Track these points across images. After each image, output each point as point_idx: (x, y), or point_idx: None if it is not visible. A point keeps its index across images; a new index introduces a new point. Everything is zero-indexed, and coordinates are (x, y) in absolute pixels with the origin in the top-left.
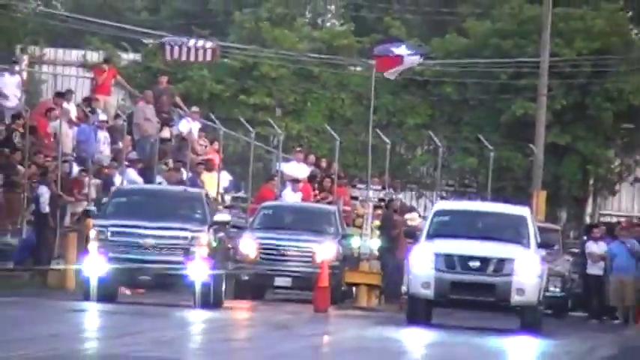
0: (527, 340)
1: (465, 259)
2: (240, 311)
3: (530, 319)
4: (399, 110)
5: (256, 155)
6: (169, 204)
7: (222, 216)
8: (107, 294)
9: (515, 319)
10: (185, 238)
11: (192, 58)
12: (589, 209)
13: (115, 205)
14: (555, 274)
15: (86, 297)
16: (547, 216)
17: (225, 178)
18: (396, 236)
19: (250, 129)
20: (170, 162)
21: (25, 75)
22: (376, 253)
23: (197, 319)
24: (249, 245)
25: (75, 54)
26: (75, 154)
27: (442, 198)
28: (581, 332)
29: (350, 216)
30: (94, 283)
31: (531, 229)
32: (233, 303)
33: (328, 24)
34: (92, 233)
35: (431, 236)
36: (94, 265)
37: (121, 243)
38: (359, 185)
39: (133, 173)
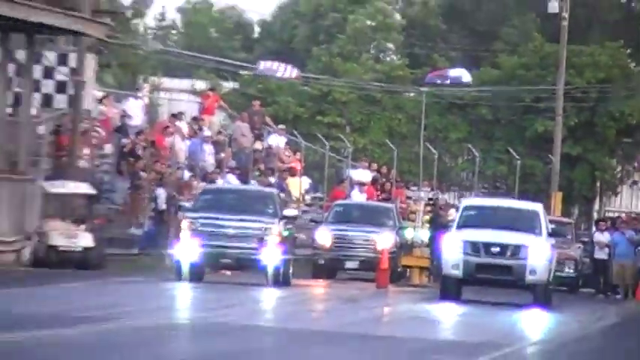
0: (540, 313)
1: (487, 246)
2: (316, 288)
3: (541, 295)
4: (444, 127)
5: (330, 164)
6: (247, 200)
7: (291, 211)
8: (196, 275)
9: (529, 295)
10: (259, 228)
11: (281, 74)
12: (596, 206)
13: (203, 201)
14: (569, 258)
15: (178, 278)
16: (562, 212)
17: (306, 182)
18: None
19: (325, 142)
20: (261, 169)
21: (146, 100)
22: (426, 241)
23: (274, 295)
24: (324, 235)
25: (186, 83)
26: (186, 163)
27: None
28: (589, 305)
29: (405, 212)
30: (185, 266)
31: (543, 222)
32: (309, 282)
33: (388, 59)
34: (184, 224)
35: (460, 227)
36: (186, 250)
37: (208, 232)
38: (412, 187)
39: (232, 178)
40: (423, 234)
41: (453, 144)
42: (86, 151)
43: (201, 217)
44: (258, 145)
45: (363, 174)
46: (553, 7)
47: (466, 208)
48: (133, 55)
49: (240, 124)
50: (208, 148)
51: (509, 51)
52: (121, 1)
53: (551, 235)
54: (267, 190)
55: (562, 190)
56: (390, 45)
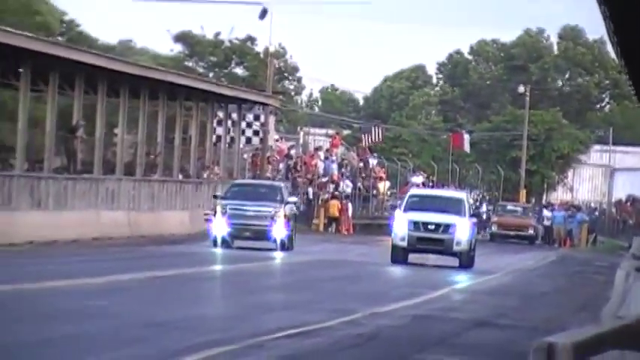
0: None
1: (425, 224)
2: (313, 252)
3: (464, 260)
4: (462, 154)
5: (401, 173)
6: (261, 191)
7: (292, 198)
8: (227, 244)
9: (455, 260)
10: (269, 210)
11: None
12: (544, 198)
13: (232, 192)
14: (529, 225)
15: (215, 245)
16: (526, 201)
17: (387, 184)
18: None
19: (397, 162)
20: (363, 177)
21: (301, 140)
22: None
23: (285, 255)
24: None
25: (323, 130)
26: (322, 174)
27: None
28: (533, 251)
29: None
30: (219, 238)
31: (466, 206)
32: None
33: (431, 118)
34: (218, 208)
35: (406, 210)
36: (219, 226)
37: (234, 214)
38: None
39: (347, 182)
40: None
41: (467, 164)
42: (269, 167)
43: (229, 204)
44: (361, 164)
45: (417, 179)
46: (521, 89)
47: (411, 196)
48: (295, 115)
49: (351, 153)
50: (335, 166)
51: (497, 114)
52: (287, 85)
53: (472, 216)
54: (276, 183)
55: (525, 188)
56: (433, 111)
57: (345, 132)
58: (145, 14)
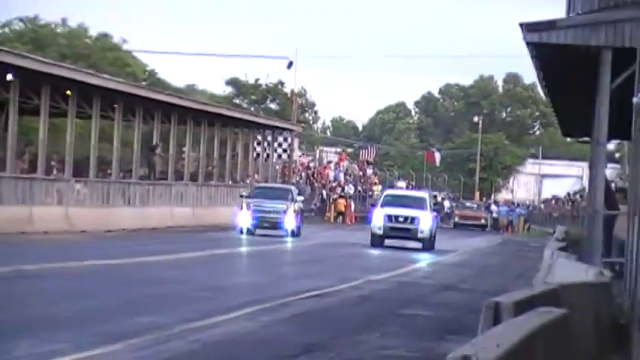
0: (428, 252)
1: (397, 217)
2: (315, 238)
3: (426, 244)
4: (435, 167)
5: (389, 180)
6: (277, 192)
7: (300, 197)
8: (250, 232)
9: (419, 244)
10: (282, 206)
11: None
12: (492, 197)
13: (255, 193)
14: (482, 217)
15: (240, 233)
16: (480, 199)
17: (379, 187)
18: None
19: (387, 171)
20: (362, 182)
21: (317, 156)
22: None
23: (294, 240)
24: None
25: (332, 148)
26: (332, 180)
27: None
28: (484, 235)
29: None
30: (245, 228)
31: (428, 203)
32: (316, 233)
33: (411, 139)
34: (243, 204)
35: (382, 205)
36: (244, 219)
37: (256, 209)
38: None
39: (350, 186)
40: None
41: (437, 173)
42: (294, 176)
43: (252, 201)
44: (360, 173)
45: (401, 183)
46: (475, 119)
47: (386, 195)
48: (312, 138)
49: (354, 165)
50: (341, 174)
51: (458, 137)
52: (307, 116)
53: (433, 210)
54: (288, 186)
55: (479, 190)
56: (412, 135)
57: (349, 150)
58: (204, 65)
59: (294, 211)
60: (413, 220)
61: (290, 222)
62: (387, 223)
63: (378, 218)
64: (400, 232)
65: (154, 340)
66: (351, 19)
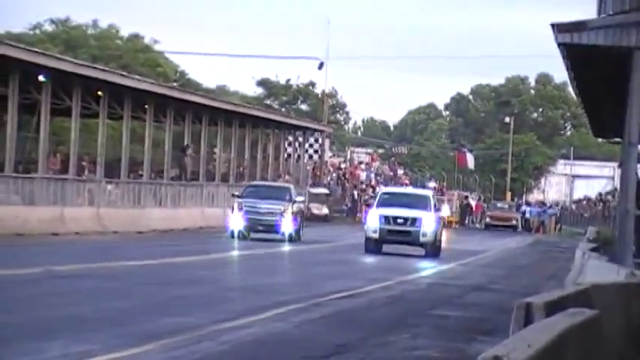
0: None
1: (395, 218)
2: (312, 245)
3: (430, 250)
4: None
5: (420, 180)
6: (272, 192)
7: (300, 197)
8: (243, 236)
9: (422, 250)
10: (279, 208)
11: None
12: (523, 198)
13: (248, 192)
14: (514, 217)
15: (232, 237)
16: (511, 199)
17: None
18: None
19: (417, 172)
20: (394, 182)
21: (348, 156)
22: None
23: (292, 245)
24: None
25: (365, 149)
26: (364, 180)
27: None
28: (519, 236)
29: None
30: (236, 231)
31: (432, 202)
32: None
33: (443, 139)
34: (235, 205)
35: (378, 206)
36: (236, 221)
37: (249, 210)
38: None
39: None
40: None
41: (468, 173)
42: (325, 176)
43: (245, 202)
44: (391, 173)
45: (432, 184)
46: (506, 119)
47: (383, 194)
48: (343, 138)
49: (385, 166)
50: (372, 175)
51: (489, 137)
52: (338, 117)
53: (437, 210)
54: (285, 185)
55: (510, 191)
56: (443, 135)
57: (380, 150)
58: (235, 66)
59: (293, 213)
60: (414, 221)
61: (287, 225)
62: (384, 225)
63: (374, 220)
64: (399, 235)
65: (186, 341)
66: (382, 20)
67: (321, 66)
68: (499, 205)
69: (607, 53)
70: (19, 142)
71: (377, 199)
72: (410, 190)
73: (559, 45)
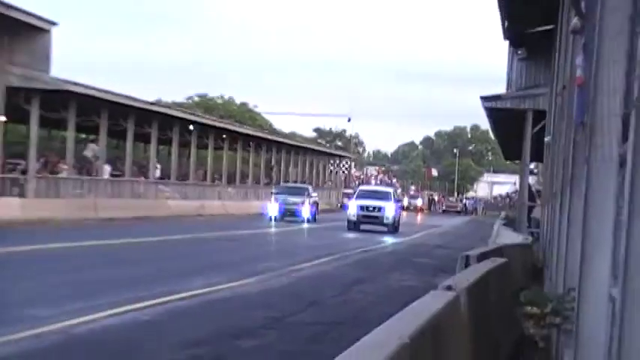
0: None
1: (367, 207)
2: (325, 222)
3: (391, 228)
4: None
5: (406, 186)
6: (297, 189)
7: (314, 193)
8: (277, 219)
9: (385, 228)
10: (301, 200)
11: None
12: (464, 195)
13: (280, 189)
14: (458, 205)
15: (269, 221)
16: (457, 196)
17: (399, 191)
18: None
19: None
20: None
21: (365, 172)
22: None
23: (312, 224)
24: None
25: (374, 167)
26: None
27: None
28: (462, 217)
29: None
30: (273, 216)
31: (392, 195)
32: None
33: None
34: (272, 198)
35: (357, 198)
36: (272, 209)
37: (281, 202)
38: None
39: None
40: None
41: (434, 182)
42: (350, 183)
43: (279, 196)
44: (389, 181)
45: (413, 187)
46: (455, 151)
47: (360, 190)
48: (361, 161)
49: (385, 177)
50: (379, 182)
51: (446, 160)
52: (359, 149)
53: (397, 201)
54: (304, 185)
55: (457, 191)
56: (419, 159)
57: (382, 167)
58: (300, 118)
59: (310, 204)
60: (380, 209)
61: (306, 211)
62: (360, 212)
63: (353, 208)
64: (370, 219)
65: (273, 275)
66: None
67: (349, 120)
68: (451, 199)
69: (512, 113)
70: (180, 164)
71: (355, 194)
72: (378, 187)
73: (485, 108)
